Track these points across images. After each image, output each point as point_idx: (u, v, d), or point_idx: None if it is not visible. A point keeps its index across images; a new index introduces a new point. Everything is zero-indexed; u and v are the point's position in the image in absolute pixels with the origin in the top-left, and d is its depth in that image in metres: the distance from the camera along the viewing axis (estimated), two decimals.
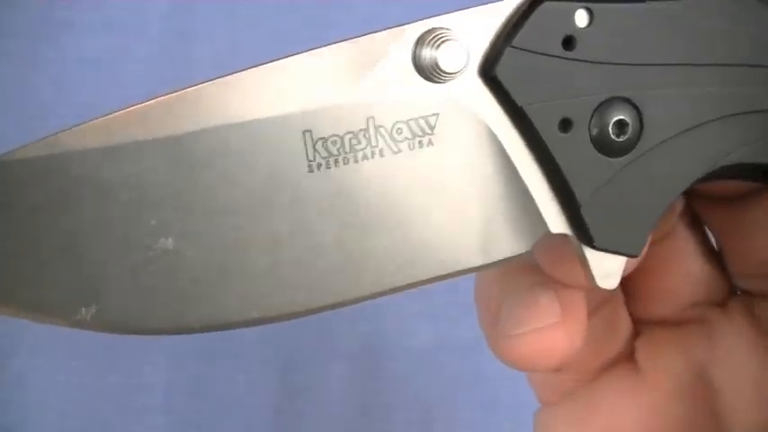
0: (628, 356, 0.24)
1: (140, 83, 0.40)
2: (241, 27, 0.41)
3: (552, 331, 0.20)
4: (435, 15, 0.17)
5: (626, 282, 0.22)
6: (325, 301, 0.18)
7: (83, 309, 0.16)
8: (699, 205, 0.23)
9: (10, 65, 0.40)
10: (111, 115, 0.16)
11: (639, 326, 0.24)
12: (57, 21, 0.40)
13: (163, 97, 0.17)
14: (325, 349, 0.38)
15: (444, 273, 0.18)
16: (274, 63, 0.17)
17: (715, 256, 0.23)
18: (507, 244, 0.18)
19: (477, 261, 0.18)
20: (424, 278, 0.18)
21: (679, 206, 0.22)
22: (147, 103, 0.17)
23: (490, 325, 0.21)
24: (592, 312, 0.22)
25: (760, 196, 0.21)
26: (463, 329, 0.38)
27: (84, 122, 0.16)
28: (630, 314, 0.24)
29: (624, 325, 0.24)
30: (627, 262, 0.18)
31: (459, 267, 0.18)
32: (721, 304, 0.23)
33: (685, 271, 0.23)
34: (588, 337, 0.21)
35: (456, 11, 0.17)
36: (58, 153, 0.16)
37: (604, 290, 0.19)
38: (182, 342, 0.38)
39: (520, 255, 0.18)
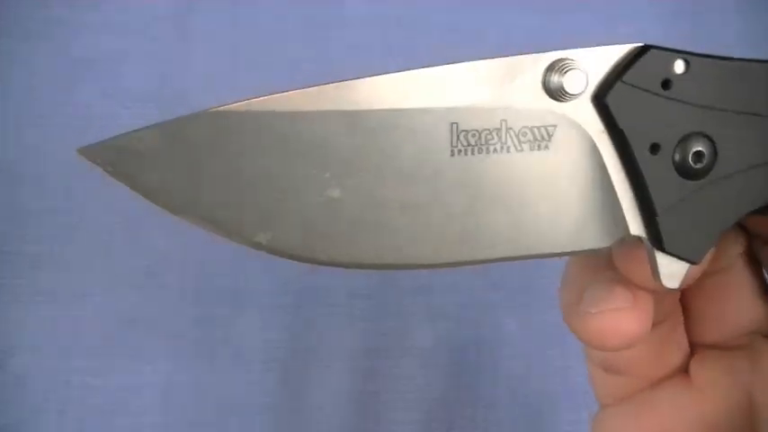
0: (683, 371, 0.27)
1: (140, 83, 0.40)
2: (241, 27, 0.41)
3: (624, 313, 0.24)
4: (564, 49, 0.22)
5: (687, 306, 0.26)
6: (446, 259, 0.22)
7: (261, 233, 0.21)
8: (759, 247, 0.26)
9: (9, 65, 0.40)
10: (296, 91, 0.21)
11: (695, 347, 0.27)
12: (56, 21, 0.40)
13: (336, 83, 0.21)
14: (324, 349, 0.38)
15: (542, 252, 0.22)
16: (436, 68, 0.22)
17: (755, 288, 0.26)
18: (594, 238, 0.22)
19: (569, 247, 0.22)
20: (526, 253, 0.22)
21: (740, 245, 0.26)
22: (322, 85, 0.21)
23: (573, 304, 0.24)
24: (657, 323, 0.25)
25: None
26: (463, 329, 0.38)
27: (278, 93, 0.21)
28: (688, 335, 0.27)
29: (682, 342, 0.27)
30: (689, 268, 0.22)
31: (555, 250, 0.22)
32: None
33: (740, 303, 0.26)
34: (650, 347, 0.26)
35: (582, 47, 0.22)
36: (266, 111, 0.21)
37: (668, 297, 0.24)
38: (182, 342, 0.38)
39: (602, 248, 0.22)
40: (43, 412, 0.38)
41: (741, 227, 0.26)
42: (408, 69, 0.21)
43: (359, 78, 0.21)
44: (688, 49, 0.22)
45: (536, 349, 0.38)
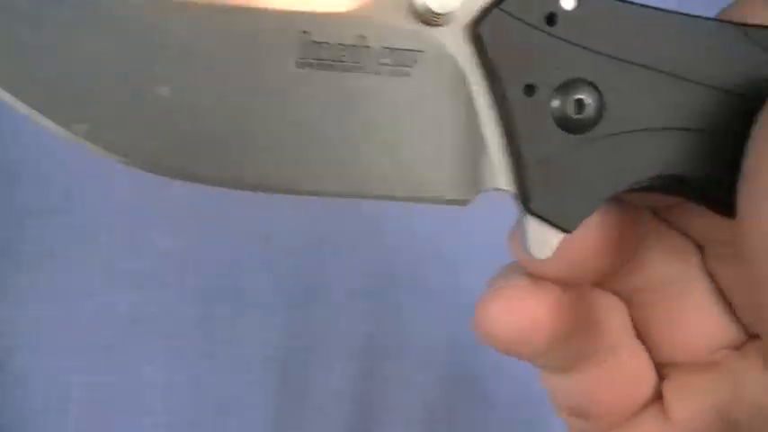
0: (656, 400, 0.24)
1: None
2: None
3: (521, 293, 0.22)
4: None
5: (649, 327, 0.24)
6: (280, 183, 0.19)
7: (78, 123, 0.18)
8: (712, 260, 0.23)
9: None
10: None
11: (665, 368, 0.24)
12: None
13: None
14: (325, 349, 0.38)
15: (387, 194, 0.20)
16: None
17: (728, 303, 0.24)
18: (456, 186, 0.19)
19: (425, 193, 0.20)
20: (368, 192, 0.19)
21: (694, 256, 0.23)
22: None
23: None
24: (606, 356, 0.23)
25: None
26: (463, 330, 0.38)
27: None
28: (655, 360, 0.24)
29: (647, 373, 0.24)
30: (562, 238, 0.19)
31: (405, 194, 0.20)
32: (739, 347, 0.24)
33: (704, 320, 0.24)
34: (611, 387, 0.24)
35: None
36: None
37: (614, 319, 0.22)
38: (182, 342, 0.38)
39: (465, 200, 0.20)
40: (43, 412, 0.38)
41: (692, 239, 0.23)
42: None
43: None
44: None
45: None
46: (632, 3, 0.19)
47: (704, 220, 0.22)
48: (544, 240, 0.19)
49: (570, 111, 0.19)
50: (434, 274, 0.38)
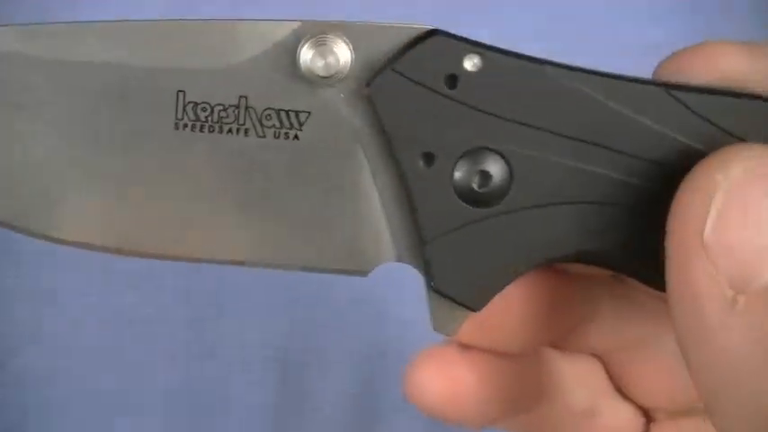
0: None
1: None
2: None
3: (449, 359, 0.21)
4: (336, 19, 0.18)
5: (626, 385, 0.24)
6: (161, 251, 0.18)
7: None
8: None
9: None
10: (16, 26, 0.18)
11: (653, 413, 0.24)
12: (55, 20, 0.40)
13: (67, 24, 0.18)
14: (325, 350, 0.38)
15: (283, 263, 0.19)
16: (179, 21, 0.18)
17: None
18: (354, 258, 0.18)
19: (318, 263, 0.18)
20: (260, 262, 0.19)
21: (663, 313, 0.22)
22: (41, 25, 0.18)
23: None
24: (588, 421, 0.23)
25: None
26: None
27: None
28: (641, 406, 0.24)
29: (633, 422, 0.24)
30: (467, 315, 0.18)
31: (303, 263, 0.18)
32: None
33: (678, 372, 0.22)
34: None
35: (367, 20, 0.18)
36: None
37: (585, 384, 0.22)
38: (181, 342, 0.38)
39: (358, 273, 0.18)
40: (43, 412, 0.38)
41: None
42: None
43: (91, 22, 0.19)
44: (481, 41, 0.17)
45: None
46: (546, 61, 0.18)
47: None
48: (449, 318, 0.18)
49: (474, 183, 0.17)
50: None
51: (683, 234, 0.16)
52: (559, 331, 0.22)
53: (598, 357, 0.24)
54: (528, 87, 0.17)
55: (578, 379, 0.24)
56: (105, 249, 0.18)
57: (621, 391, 0.24)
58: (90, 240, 0.18)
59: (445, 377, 0.21)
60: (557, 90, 0.17)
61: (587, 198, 0.18)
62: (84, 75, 0.18)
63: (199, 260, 0.19)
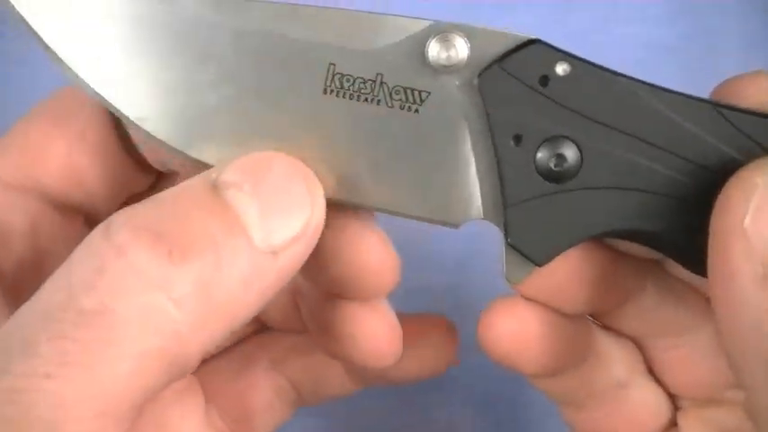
0: (672, 427, 0.27)
1: None
2: None
3: (516, 304, 0.25)
4: (458, 21, 0.22)
5: (659, 371, 0.27)
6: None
7: (143, 120, 0.23)
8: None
9: (9, 65, 0.40)
10: None
11: (680, 401, 0.27)
12: None
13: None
14: None
15: (395, 210, 0.23)
16: (340, 10, 0.22)
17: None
18: (448, 211, 0.23)
19: (422, 213, 0.23)
20: (380, 207, 0.23)
21: (704, 309, 0.26)
22: None
23: None
24: (616, 393, 0.26)
25: None
26: (463, 330, 0.38)
27: None
28: (670, 393, 0.27)
29: (660, 406, 0.27)
30: (533, 269, 0.22)
31: (408, 212, 0.23)
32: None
33: (707, 364, 0.26)
34: (625, 421, 0.27)
35: (473, 23, 0.22)
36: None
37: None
38: None
39: (452, 225, 0.23)
40: None
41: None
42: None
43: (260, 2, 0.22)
44: (573, 53, 0.22)
45: None
46: (620, 74, 0.22)
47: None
48: (519, 269, 0.22)
49: (551, 163, 0.22)
50: (435, 276, 0.38)
51: (727, 222, 0.20)
52: (607, 304, 0.25)
53: (635, 341, 0.27)
54: (604, 92, 0.21)
55: (617, 353, 0.27)
56: None
57: (653, 375, 0.27)
58: None
59: (514, 320, 0.24)
60: (626, 97, 0.21)
61: (642, 187, 0.22)
62: (255, 40, 0.22)
63: (332, 201, 0.22)
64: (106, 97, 0.23)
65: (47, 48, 0.23)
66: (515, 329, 0.24)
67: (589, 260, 0.24)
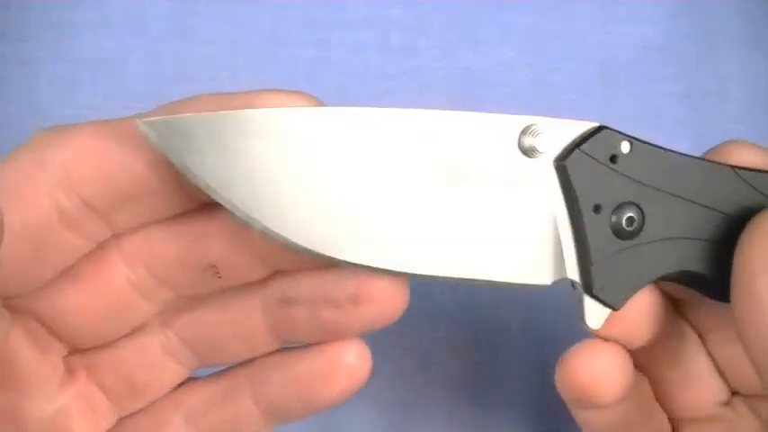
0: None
1: (140, 83, 0.40)
2: (241, 27, 0.41)
3: (599, 346, 0.28)
4: (536, 115, 0.26)
5: (660, 397, 0.31)
6: (422, 271, 0.26)
7: (266, 222, 0.25)
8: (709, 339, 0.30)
9: (9, 66, 0.40)
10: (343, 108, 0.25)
11: (678, 423, 0.31)
12: (56, 21, 0.40)
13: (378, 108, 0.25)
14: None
15: (493, 279, 0.26)
16: (452, 113, 0.26)
17: (719, 369, 0.30)
18: (538, 275, 0.26)
19: (516, 279, 0.26)
20: (479, 277, 0.26)
21: (696, 338, 0.30)
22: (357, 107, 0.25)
23: None
24: (639, 423, 0.30)
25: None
26: (463, 329, 0.38)
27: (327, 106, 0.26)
28: (669, 413, 0.31)
29: (664, 427, 0.31)
30: (609, 313, 0.27)
31: (504, 279, 0.26)
32: (727, 402, 0.30)
33: (703, 384, 0.30)
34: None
35: (550, 117, 0.26)
36: (304, 118, 0.25)
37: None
38: None
39: (544, 286, 0.27)
40: None
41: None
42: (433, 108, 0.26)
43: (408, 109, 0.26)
44: (635, 135, 0.26)
45: (536, 349, 0.38)
46: (665, 149, 0.27)
47: (702, 311, 0.29)
48: (599, 315, 0.27)
49: (623, 224, 0.26)
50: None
51: (754, 259, 0.25)
52: (652, 336, 0.29)
53: (643, 371, 0.30)
54: (657, 164, 0.27)
55: (642, 385, 0.30)
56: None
57: (658, 401, 0.31)
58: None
59: (597, 357, 0.27)
60: (672, 167, 0.27)
61: (688, 235, 0.27)
62: (364, 152, 0.25)
63: (424, 278, 0.26)
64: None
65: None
66: (603, 364, 0.27)
67: (650, 298, 0.28)
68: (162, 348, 0.29)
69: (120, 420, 0.29)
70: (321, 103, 0.26)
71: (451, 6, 0.41)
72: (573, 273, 0.26)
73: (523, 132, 0.26)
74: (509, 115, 0.26)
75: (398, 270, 0.26)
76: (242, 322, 0.28)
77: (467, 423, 0.38)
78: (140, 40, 0.40)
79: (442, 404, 0.38)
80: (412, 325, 0.38)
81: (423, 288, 0.38)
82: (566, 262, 0.26)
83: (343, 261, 0.25)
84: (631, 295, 0.27)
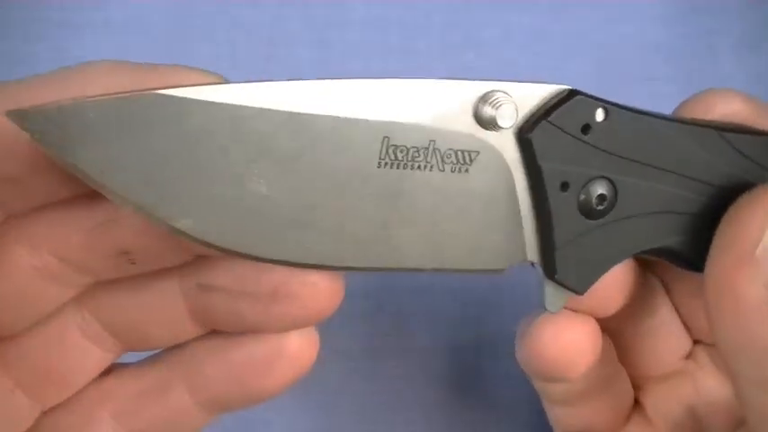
0: (638, 409, 0.30)
1: None
2: (241, 27, 0.41)
3: (568, 319, 0.27)
4: (496, 80, 0.23)
5: (623, 355, 0.30)
6: (361, 264, 0.23)
7: (182, 219, 0.21)
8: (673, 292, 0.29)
9: (10, 66, 0.40)
10: (245, 84, 0.21)
11: (641, 380, 0.30)
12: (56, 22, 0.40)
13: (283, 81, 0.21)
14: (324, 349, 0.38)
15: (444, 267, 0.23)
16: (379, 80, 0.22)
17: (682, 320, 0.29)
18: (494, 259, 0.24)
19: (470, 265, 0.24)
20: (431, 266, 0.23)
21: (662, 292, 0.29)
22: (270, 82, 0.21)
23: None
24: (603, 387, 0.29)
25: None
26: (463, 329, 0.38)
27: (229, 83, 0.22)
28: (633, 371, 0.30)
29: (630, 391, 0.30)
30: (571, 297, 0.24)
31: (456, 266, 0.23)
32: (689, 354, 0.30)
33: (670, 340, 0.29)
34: (609, 413, 0.29)
35: (512, 80, 0.23)
36: (211, 101, 0.21)
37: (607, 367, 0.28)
38: None
39: (502, 270, 0.24)
40: None
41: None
42: (357, 78, 0.22)
43: (304, 81, 0.22)
44: (611, 100, 0.23)
45: None
46: (644, 112, 0.23)
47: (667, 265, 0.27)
48: (561, 300, 0.24)
49: (593, 203, 0.23)
50: (434, 273, 0.39)
51: (739, 243, 0.22)
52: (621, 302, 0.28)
53: (609, 333, 0.29)
54: (632, 132, 0.23)
55: (608, 349, 0.29)
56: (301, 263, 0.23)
57: (621, 361, 0.30)
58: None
59: (567, 332, 0.26)
60: (650, 133, 0.24)
61: (666, 209, 0.24)
62: (308, 123, 0.22)
63: (382, 269, 0.23)
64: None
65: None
66: (573, 338, 0.26)
67: (623, 270, 0.26)
68: (81, 333, 0.26)
69: (44, 415, 0.27)
70: (224, 81, 0.23)
71: (451, 6, 0.41)
72: (533, 255, 0.24)
73: (482, 101, 0.22)
74: (464, 81, 0.22)
75: (324, 264, 0.23)
76: (163, 306, 0.26)
77: (467, 424, 0.38)
78: (140, 39, 0.40)
79: (442, 405, 0.38)
80: (412, 325, 0.38)
81: (423, 288, 0.38)
82: (526, 245, 0.24)
83: (257, 257, 0.22)
84: (598, 278, 0.24)
